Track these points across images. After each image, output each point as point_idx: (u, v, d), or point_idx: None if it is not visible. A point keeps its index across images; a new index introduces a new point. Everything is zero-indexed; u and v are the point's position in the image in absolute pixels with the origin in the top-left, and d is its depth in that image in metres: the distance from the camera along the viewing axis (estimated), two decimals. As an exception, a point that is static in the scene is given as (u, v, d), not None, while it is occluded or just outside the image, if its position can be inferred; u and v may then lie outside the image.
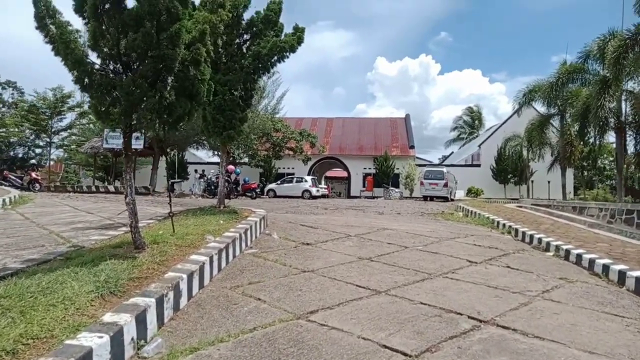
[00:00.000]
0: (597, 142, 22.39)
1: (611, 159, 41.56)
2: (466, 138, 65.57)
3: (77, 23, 4.17)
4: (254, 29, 7.55)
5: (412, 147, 39.15)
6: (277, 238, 7.11)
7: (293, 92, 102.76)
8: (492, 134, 40.27)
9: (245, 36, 7.63)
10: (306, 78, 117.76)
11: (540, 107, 30.19)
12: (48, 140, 31.33)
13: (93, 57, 4.31)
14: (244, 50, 7.72)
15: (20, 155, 35.42)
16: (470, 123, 66.53)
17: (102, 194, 20.89)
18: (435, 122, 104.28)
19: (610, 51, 15.99)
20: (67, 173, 45.59)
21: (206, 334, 3.23)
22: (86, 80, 4.10)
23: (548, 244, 7.24)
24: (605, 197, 31.83)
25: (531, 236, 7.93)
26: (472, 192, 36.78)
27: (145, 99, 4.07)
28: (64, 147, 34.59)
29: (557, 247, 6.92)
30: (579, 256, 6.25)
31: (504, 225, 9.34)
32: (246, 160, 35.32)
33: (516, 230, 8.63)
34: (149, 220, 7.17)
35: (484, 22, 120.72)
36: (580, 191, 36.17)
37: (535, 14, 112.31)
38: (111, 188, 22.62)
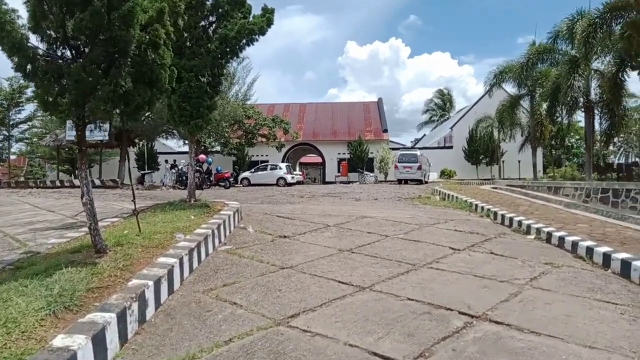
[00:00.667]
0: (567, 122, 22.72)
1: (577, 137, 42.66)
2: (437, 120, 66.24)
3: (14, 1, 3.67)
4: (220, 10, 7.06)
5: (385, 130, 39.12)
6: (253, 232, 6.77)
7: (264, 78, 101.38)
8: (463, 115, 40.62)
9: (210, 18, 7.14)
10: (277, 63, 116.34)
11: (510, 88, 30.58)
12: (6, 133, 29.70)
13: (38, 41, 3.85)
14: (210, 34, 7.24)
15: (-21, 151, 33.63)
16: (441, 105, 67.21)
17: (68, 188, 19.98)
18: (407, 105, 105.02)
19: (579, 31, 16.06)
20: (31, 167, 43.66)
21: (176, 350, 2.89)
22: (29, 67, 3.63)
23: (528, 226, 7.15)
24: (573, 175, 32.59)
25: (510, 219, 7.85)
26: (445, 174, 37.13)
27: (98, 87, 3.63)
28: (25, 141, 32.96)
29: (538, 230, 6.83)
30: (561, 239, 6.16)
31: (482, 208, 9.25)
32: (218, 148, 34.55)
33: (495, 214, 8.54)
34: (114, 218, 6.70)
35: (452, 5, 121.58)
36: (549, 169, 37.00)
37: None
38: (77, 182, 21.65)
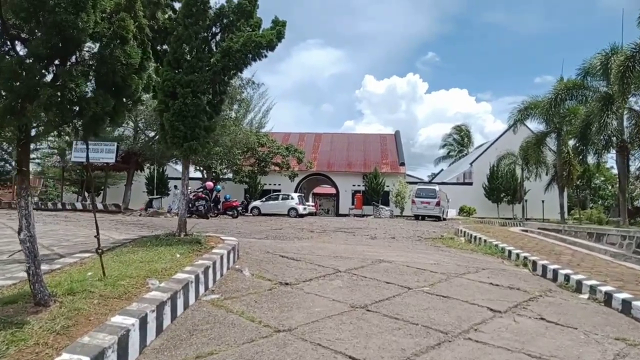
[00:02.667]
0: (597, 161, 21.48)
1: (602, 178, 41.03)
2: (455, 156, 65.15)
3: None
4: (225, 20, 6.28)
5: (403, 164, 38.10)
6: (249, 275, 5.71)
7: (281, 109, 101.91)
8: (483, 151, 39.46)
9: (214, 29, 6.36)
10: (295, 95, 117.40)
11: (533, 126, 29.53)
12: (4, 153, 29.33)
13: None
14: (213, 47, 6.44)
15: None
16: (460, 141, 66.25)
17: (69, 212, 19.24)
18: (423, 139, 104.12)
19: (615, 66, 15.06)
20: (46, 188, 43.41)
21: None
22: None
23: (579, 283, 5.95)
24: (599, 217, 30.90)
25: (555, 272, 6.65)
26: (464, 211, 35.72)
27: (38, 89, 2.71)
28: (34, 160, 32.69)
29: (592, 288, 5.64)
30: (626, 303, 4.97)
31: (517, 255, 8.06)
32: (230, 175, 33.85)
33: (534, 263, 7.35)
34: (87, 253, 5.70)
35: (470, 43, 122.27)
36: (574, 211, 35.31)
37: (519, 37, 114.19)
38: (78, 205, 20.95)
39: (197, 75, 6.06)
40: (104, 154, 20.75)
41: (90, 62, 2.86)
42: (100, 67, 2.86)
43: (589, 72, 19.08)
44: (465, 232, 11.80)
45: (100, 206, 21.09)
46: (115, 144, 20.83)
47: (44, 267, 4.69)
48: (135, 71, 3.26)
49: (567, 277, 6.30)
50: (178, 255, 5.46)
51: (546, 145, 26.55)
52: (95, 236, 4.26)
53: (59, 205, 21.20)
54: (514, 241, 9.73)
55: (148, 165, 30.52)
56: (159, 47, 6.53)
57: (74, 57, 2.80)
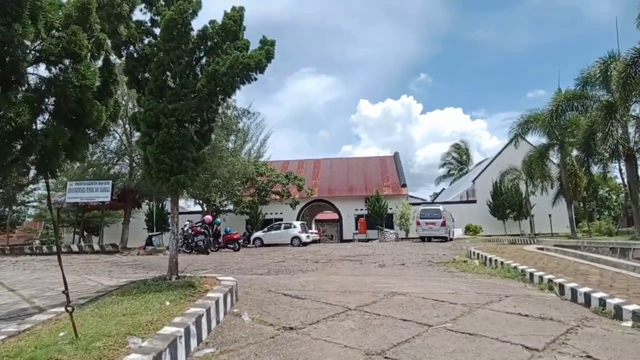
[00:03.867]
0: (603, 171, 20.95)
1: (607, 188, 40.37)
2: (456, 174, 64.74)
3: None
4: (209, 42, 5.84)
5: (404, 185, 37.62)
6: (249, 320, 5.08)
7: (279, 137, 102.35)
8: (485, 168, 39.02)
9: (197, 53, 5.92)
10: (291, 123, 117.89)
11: (532, 139, 29.13)
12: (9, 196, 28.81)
13: None
14: (197, 72, 5.99)
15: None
16: (459, 159, 66.03)
17: (63, 254, 18.54)
18: (421, 160, 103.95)
19: (616, 74, 14.72)
20: (47, 230, 42.67)
21: None
22: None
23: (618, 308, 5.31)
24: (609, 229, 30.21)
25: (587, 295, 6.01)
26: (470, 230, 35.04)
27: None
28: (28, 204, 32.17)
29: (636, 314, 5.00)
30: (681, 331, 4.33)
31: (540, 278, 7.42)
32: (231, 207, 33.30)
33: (561, 287, 6.70)
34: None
35: (461, 62, 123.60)
36: (582, 223, 34.58)
37: (508, 53, 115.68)
38: (74, 247, 20.30)
39: (181, 104, 5.57)
40: (98, 192, 20.32)
41: (36, 87, 2.35)
42: (49, 91, 2.36)
43: (588, 81, 18.77)
44: (478, 254, 11.15)
45: (96, 247, 20.42)
46: (110, 182, 20.43)
47: (11, 328, 4.10)
48: (96, 96, 2.74)
49: (602, 302, 5.66)
50: (168, 303, 4.85)
51: (549, 158, 26.12)
52: (63, 292, 3.68)
53: (54, 249, 20.52)
54: (533, 261, 9.09)
55: (147, 201, 30.01)
56: (139, 76, 6.09)
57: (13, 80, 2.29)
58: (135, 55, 6.00)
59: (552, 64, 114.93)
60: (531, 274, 7.82)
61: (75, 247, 20.22)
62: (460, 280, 8.00)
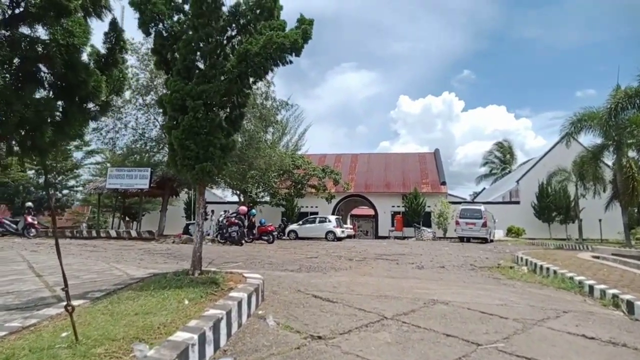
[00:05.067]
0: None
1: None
2: (498, 174, 62.43)
3: None
4: (241, 20, 5.39)
5: (444, 183, 36.39)
6: (274, 325, 4.62)
7: (317, 131, 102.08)
8: (530, 168, 37.15)
9: (229, 31, 5.48)
10: (330, 118, 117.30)
11: (583, 139, 27.28)
12: (53, 181, 29.78)
13: None
14: (228, 51, 5.56)
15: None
16: (502, 158, 63.66)
17: (102, 239, 18.87)
18: (461, 158, 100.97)
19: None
20: (94, 214, 44.19)
21: None
22: None
23: None
24: (666, 237, 28.04)
25: (664, 318, 5.18)
26: (512, 232, 33.52)
27: None
28: (71, 189, 33.17)
29: None
30: None
31: (602, 292, 6.58)
32: (267, 199, 33.25)
33: (629, 304, 5.87)
34: (79, 301, 4.76)
35: (506, 59, 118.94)
36: (635, 229, 32.29)
37: (556, 50, 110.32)
38: (112, 233, 20.63)
39: (210, 85, 5.15)
40: (137, 179, 20.58)
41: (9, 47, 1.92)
42: (30, 51, 1.92)
43: (653, 76, 17.20)
44: (526, 259, 10.27)
45: (133, 234, 20.67)
46: (149, 169, 20.61)
47: (15, 323, 3.78)
48: (100, 65, 2.29)
49: (684, 326, 4.84)
50: (186, 302, 4.45)
51: (602, 160, 24.42)
52: (63, 289, 3.31)
53: (94, 233, 20.95)
54: (591, 272, 8.19)
55: (186, 190, 30.37)
56: (168, 56, 5.71)
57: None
58: (164, 33, 5.62)
59: (604, 63, 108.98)
60: (591, 287, 6.98)
61: (113, 233, 20.56)
62: (509, 289, 7.25)
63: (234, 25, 5.49)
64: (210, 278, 5.34)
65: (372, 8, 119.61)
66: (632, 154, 23.49)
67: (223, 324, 4.02)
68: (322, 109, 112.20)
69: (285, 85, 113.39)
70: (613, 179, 25.40)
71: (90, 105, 2.43)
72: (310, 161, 32.71)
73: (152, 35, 5.72)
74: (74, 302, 4.52)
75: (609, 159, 24.42)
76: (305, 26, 5.38)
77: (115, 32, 2.57)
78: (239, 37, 5.63)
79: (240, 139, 23.32)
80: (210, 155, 5.17)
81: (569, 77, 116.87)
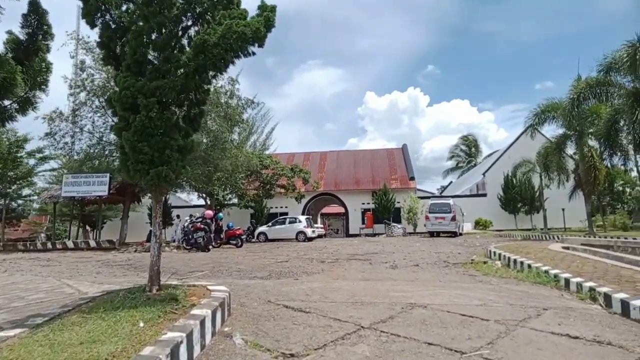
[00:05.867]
0: (624, 164, 19.90)
1: (621, 182, 39.10)
2: (464, 167, 63.72)
3: None
4: (197, 8, 4.91)
5: (412, 178, 36.60)
6: (242, 344, 4.20)
7: (285, 130, 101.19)
8: (496, 160, 37.90)
9: (184, 21, 5.01)
10: (298, 116, 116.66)
11: (545, 131, 27.96)
12: (5, 190, 27.94)
13: None
14: (184, 43, 5.08)
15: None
16: (467, 151, 65.09)
17: (58, 251, 17.81)
18: (427, 152, 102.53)
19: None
20: (51, 224, 42.00)
21: None
22: None
23: (689, 328, 4.37)
24: (624, 223, 29.15)
25: (644, 311, 5.07)
26: (480, 224, 34.10)
27: None
28: (24, 198, 31.41)
29: None
30: None
31: (579, 286, 6.48)
32: (235, 201, 32.50)
33: (607, 297, 5.75)
34: (15, 330, 4.17)
35: (469, 54, 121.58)
36: (596, 217, 33.47)
37: (517, 44, 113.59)
38: (70, 244, 19.53)
39: (164, 81, 4.66)
40: (95, 186, 19.56)
41: None
42: None
43: (612, 67, 17.59)
44: (500, 254, 10.20)
45: (92, 243, 19.64)
46: (108, 175, 19.61)
47: None
48: (18, 55, 1.83)
49: (666, 319, 4.72)
50: (141, 324, 3.97)
51: (564, 151, 25.07)
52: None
53: (49, 245, 19.75)
54: (565, 264, 8.13)
55: (149, 195, 29.26)
56: (118, 50, 5.17)
57: None
58: (111, 24, 5.08)
59: (561, 56, 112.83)
60: (567, 280, 6.88)
61: (70, 244, 19.45)
62: (486, 286, 7.07)
63: (189, 14, 5.00)
64: (170, 294, 4.85)
65: (337, 5, 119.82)
66: (592, 143, 24.21)
67: (183, 349, 3.57)
68: (290, 107, 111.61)
69: (252, 84, 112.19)
70: (575, 168, 26.14)
71: (6, 102, 1.96)
72: (278, 161, 32.19)
73: (99, 28, 5.17)
74: (10, 332, 3.97)
75: (571, 149, 25.11)
76: (267, 13, 4.96)
77: (36, 14, 2.11)
78: (196, 28, 5.15)
79: (205, 140, 22.57)
80: (166, 158, 4.69)
81: (528, 71, 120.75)
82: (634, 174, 39.60)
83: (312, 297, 6.15)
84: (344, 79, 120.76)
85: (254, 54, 5.18)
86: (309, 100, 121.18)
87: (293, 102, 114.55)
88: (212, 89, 22.51)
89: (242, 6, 5.38)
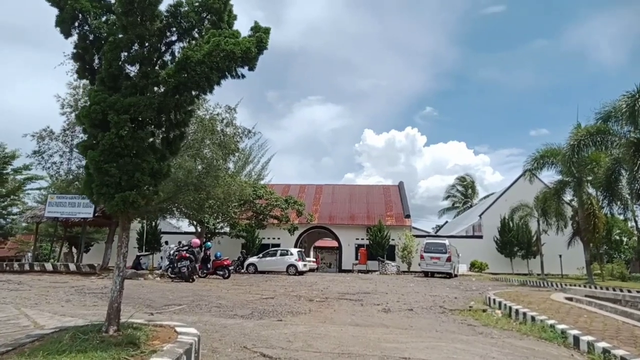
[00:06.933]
0: (624, 213, 19.55)
1: (618, 231, 38.67)
2: (460, 207, 63.34)
3: None
4: (183, 23, 4.51)
5: (408, 216, 36.01)
6: (205, 403, 3.56)
7: (283, 162, 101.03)
8: (492, 203, 37.45)
9: (168, 35, 4.58)
10: (296, 149, 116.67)
11: (543, 176, 27.77)
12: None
13: None
14: (167, 59, 4.66)
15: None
16: (464, 192, 64.83)
17: (35, 273, 16.96)
18: (423, 191, 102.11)
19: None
20: (40, 243, 40.72)
21: None
22: None
23: None
24: (622, 273, 28.54)
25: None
26: (475, 267, 33.32)
27: None
28: (12, 216, 30.56)
29: None
30: None
31: (590, 345, 5.86)
32: (227, 230, 31.73)
33: (623, 361, 5.14)
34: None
35: (466, 98, 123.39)
36: (593, 265, 32.80)
37: (513, 92, 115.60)
38: (48, 267, 18.65)
39: (140, 98, 4.20)
40: (81, 208, 18.85)
41: None
42: None
43: (612, 116, 17.44)
44: (500, 302, 9.55)
45: (72, 267, 18.77)
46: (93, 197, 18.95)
47: None
48: None
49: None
50: (87, 376, 3.34)
51: (562, 197, 24.75)
52: None
53: (27, 267, 18.83)
54: (572, 319, 7.51)
55: (139, 219, 28.52)
56: (94, 64, 4.74)
57: None
58: (89, 35, 4.66)
59: (555, 105, 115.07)
60: (576, 338, 6.25)
61: (49, 266, 18.56)
62: (487, 340, 6.42)
63: (174, 28, 4.59)
64: (129, 336, 4.21)
65: (339, 45, 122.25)
66: (591, 190, 23.89)
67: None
68: (288, 139, 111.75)
69: (252, 115, 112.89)
70: (573, 215, 25.69)
71: None
72: (272, 191, 31.62)
73: (75, 38, 4.76)
74: None
75: (568, 195, 24.78)
76: (260, 34, 4.55)
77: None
78: (182, 44, 4.73)
79: (199, 167, 22.11)
80: (135, 182, 4.17)
81: (523, 117, 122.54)
82: (631, 223, 39.44)
83: (295, 344, 5.49)
84: (343, 115, 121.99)
85: (243, 76, 4.77)
86: (307, 134, 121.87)
87: (292, 135, 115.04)
88: (208, 116, 22.51)
89: (237, 28, 5.00)
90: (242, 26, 4.94)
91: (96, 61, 4.79)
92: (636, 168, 15.07)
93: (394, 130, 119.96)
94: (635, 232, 40.99)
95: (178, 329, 4.80)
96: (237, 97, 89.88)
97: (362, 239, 34.76)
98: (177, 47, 4.76)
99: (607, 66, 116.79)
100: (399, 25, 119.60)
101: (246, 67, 4.69)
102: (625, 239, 40.35)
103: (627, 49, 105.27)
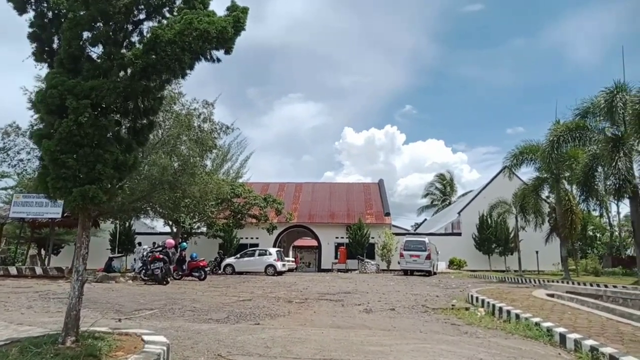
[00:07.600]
0: (600, 209, 19.83)
1: (592, 227, 39.52)
2: (439, 205, 63.78)
3: None
4: (154, 0, 4.11)
5: (388, 214, 35.99)
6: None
7: (263, 160, 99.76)
8: (471, 200, 37.76)
9: (137, 14, 4.18)
10: (276, 147, 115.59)
11: (522, 173, 28.10)
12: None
13: None
14: (134, 40, 4.26)
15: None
16: (443, 190, 65.27)
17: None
18: (402, 189, 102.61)
19: (630, 105, 13.60)
20: (8, 246, 39.02)
21: None
22: None
23: None
24: (595, 268, 29.08)
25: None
26: (454, 264, 33.54)
27: None
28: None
29: None
30: None
31: (577, 343, 5.69)
32: (204, 230, 31.05)
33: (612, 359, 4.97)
34: None
35: (445, 96, 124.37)
36: (569, 262, 33.40)
37: (490, 89, 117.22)
38: (12, 270, 17.77)
39: (103, 81, 3.80)
40: (48, 207, 18.02)
41: None
42: None
43: (590, 112, 17.63)
44: (482, 300, 9.38)
45: (39, 271, 17.94)
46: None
47: None
48: None
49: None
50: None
51: (539, 194, 25.03)
52: None
53: (-7, 271, 17.89)
54: (556, 316, 7.37)
55: (112, 220, 27.63)
56: (54, 44, 4.29)
57: None
58: (48, 13, 4.22)
59: (532, 103, 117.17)
60: (562, 336, 6.09)
61: (13, 270, 17.67)
62: (473, 340, 6.20)
63: (142, 5, 4.19)
64: (89, 347, 3.80)
65: (320, 42, 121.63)
66: (569, 187, 24.26)
67: None
68: (268, 137, 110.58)
69: (232, 112, 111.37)
70: (549, 211, 26.03)
71: None
72: (251, 190, 31.09)
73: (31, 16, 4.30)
74: None
75: (546, 191, 25.09)
76: (237, 13, 4.19)
77: None
78: (151, 24, 4.33)
79: (175, 164, 21.44)
80: (96, 175, 3.76)
81: (500, 115, 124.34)
82: (605, 219, 40.37)
83: (273, 350, 5.15)
84: (323, 113, 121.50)
85: (219, 60, 4.40)
86: (287, 132, 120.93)
87: (272, 132, 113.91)
88: (184, 112, 21.86)
89: (214, 9, 4.62)
90: (219, 13, 4.59)
91: (55, 42, 4.34)
92: (614, 163, 15.19)
93: (374, 129, 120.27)
94: (608, 227, 42.16)
95: (145, 338, 4.41)
96: (215, 92, 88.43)
97: (342, 238, 34.56)
98: (145, 27, 4.37)
99: (583, 65, 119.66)
100: (380, 21, 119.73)
101: (222, 50, 4.32)
102: (598, 235, 41.33)
103: (603, 48, 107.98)
